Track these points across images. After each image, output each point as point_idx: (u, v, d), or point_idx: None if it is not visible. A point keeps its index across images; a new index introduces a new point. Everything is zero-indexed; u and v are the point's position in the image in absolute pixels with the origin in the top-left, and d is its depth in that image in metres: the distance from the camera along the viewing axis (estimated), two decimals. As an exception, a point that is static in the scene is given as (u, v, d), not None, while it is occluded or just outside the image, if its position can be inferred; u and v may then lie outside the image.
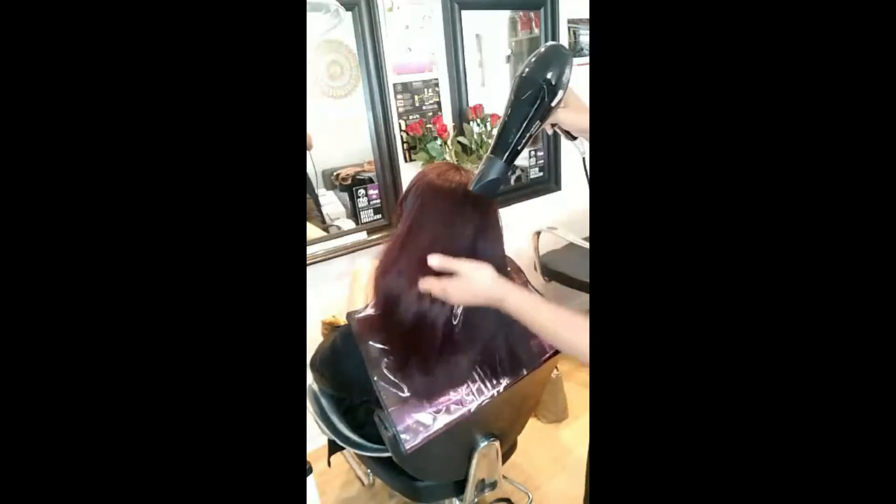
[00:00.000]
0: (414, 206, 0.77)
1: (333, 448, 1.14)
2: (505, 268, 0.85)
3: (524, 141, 0.72)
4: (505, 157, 0.72)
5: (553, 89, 0.69)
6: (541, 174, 2.11)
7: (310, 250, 1.55)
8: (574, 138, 0.80)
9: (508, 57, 2.05)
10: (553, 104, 0.71)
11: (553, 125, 0.78)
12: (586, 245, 1.84)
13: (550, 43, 0.73)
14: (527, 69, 0.70)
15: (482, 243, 0.77)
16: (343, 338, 0.87)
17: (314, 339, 1.03)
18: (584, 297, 2.15)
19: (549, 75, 0.69)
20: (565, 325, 0.65)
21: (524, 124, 0.70)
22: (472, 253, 0.76)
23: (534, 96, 0.69)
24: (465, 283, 0.70)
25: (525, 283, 0.97)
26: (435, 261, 0.71)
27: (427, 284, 0.72)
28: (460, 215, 0.75)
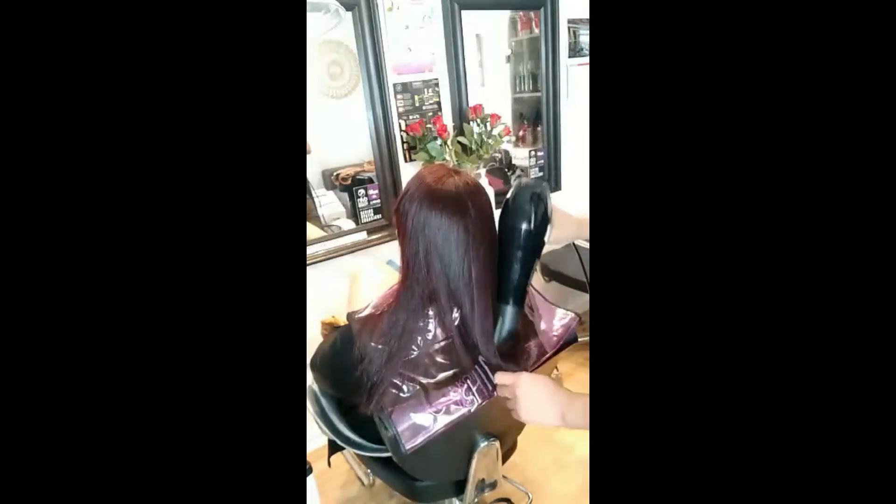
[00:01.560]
0: (412, 211, 0.77)
1: (333, 448, 1.14)
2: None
3: (528, 280, 0.75)
4: (513, 302, 0.75)
5: (539, 231, 0.72)
6: (541, 174, 2.11)
7: (310, 250, 1.55)
8: None
9: (508, 57, 2.05)
10: (546, 240, 0.74)
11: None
12: (586, 245, 1.84)
13: (519, 185, 0.75)
14: (509, 220, 0.73)
15: (483, 244, 0.77)
16: (343, 338, 0.87)
17: (314, 339, 1.03)
18: (584, 298, 2.15)
19: (532, 220, 0.71)
20: None
21: (523, 269, 0.74)
22: (472, 254, 0.76)
23: (525, 246, 0.72)
24: (521, 403, 0.70)
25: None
26: (498, 379, 0.73)
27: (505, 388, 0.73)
28: (459, 218, 0.75)
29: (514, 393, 0.71)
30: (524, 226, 0.72)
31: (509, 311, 0.75)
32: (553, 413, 0.68)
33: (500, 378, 0.74)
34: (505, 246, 0.75)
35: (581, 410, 0.66)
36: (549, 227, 0.74)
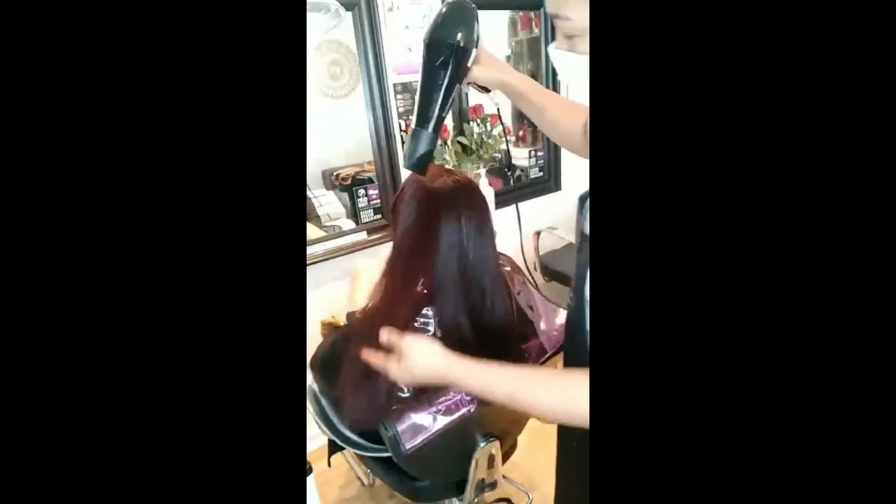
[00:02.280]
0: (408, 209, 0.77)
1: (333, 448, 1.14)
2: (497, 268, 0.85)
3: (447, 106, 0.71)
4: (431, 127, 0.71)
5: (465, 50, 0.68)
6: (541, 174, 2.11)
7: (310, 250, 1.55)
8: (488, 91, 0.78)
9: (508, 57, 2.05)
10: (468, 64, 0.70)
11: (468, 82, 0.76)
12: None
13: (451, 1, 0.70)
14: (432, 33, 0.68)
15: (476, 243, 0.78)
16: (342, 338, 0.88)
17: (314, 339, 1.03)
18: (584, 297, 2.14)
19: (458, 36, 0.66)
20: (528, 383, 0.60)
21: (443, 90, 0.69)
22: (465, 253, 0.76)
23: (447, 61, 0.67)
24: (405, 363, 0.66)
25: (524, 283, 0.97)
26: (384, 336, 0.68)
27: (370, 357, 0.69)
28: (455, 216, 0.75)
29: (402, 349, 0.67)
30: (449, 39, 0.67)
31: (425, 135, 0.70)
32: (439, 364, 0.65)
33: (389, 336, 0.69)
34: (426, 68, 0.69)
35: (470, 369, 0.63)
36: (474, 51, 0.69)
